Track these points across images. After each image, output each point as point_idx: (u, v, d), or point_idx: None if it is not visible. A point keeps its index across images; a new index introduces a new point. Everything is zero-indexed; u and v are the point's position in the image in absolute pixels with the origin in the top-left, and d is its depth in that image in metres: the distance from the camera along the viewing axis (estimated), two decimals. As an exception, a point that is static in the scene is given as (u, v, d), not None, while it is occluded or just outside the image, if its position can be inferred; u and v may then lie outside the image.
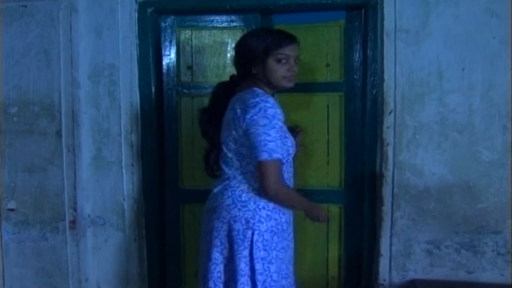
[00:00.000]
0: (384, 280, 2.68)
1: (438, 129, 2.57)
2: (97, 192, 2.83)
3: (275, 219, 2.12)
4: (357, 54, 2.77)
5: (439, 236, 2.63)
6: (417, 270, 2.67)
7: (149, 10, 2.75)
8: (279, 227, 2.14)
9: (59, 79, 2.71)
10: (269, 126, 1.98)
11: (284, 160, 2.10)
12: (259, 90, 2.09)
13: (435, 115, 2.57)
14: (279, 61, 2.10)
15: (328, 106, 2.84)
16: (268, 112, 1.98)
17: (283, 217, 2.17)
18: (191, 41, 2.89)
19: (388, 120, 2.61)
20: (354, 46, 2.77)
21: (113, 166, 2.81)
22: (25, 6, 2.68)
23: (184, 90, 2.90)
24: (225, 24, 2.86)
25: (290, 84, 2.16)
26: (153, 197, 2.87)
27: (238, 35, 2.81)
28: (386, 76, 2.59)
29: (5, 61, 2.74)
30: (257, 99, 1.99)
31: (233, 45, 2.82)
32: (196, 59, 2.90)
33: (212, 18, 2.85)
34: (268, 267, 2.09)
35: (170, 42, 2.88)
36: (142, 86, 2.77)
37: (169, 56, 2.89)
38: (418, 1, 2.53)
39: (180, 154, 2.93)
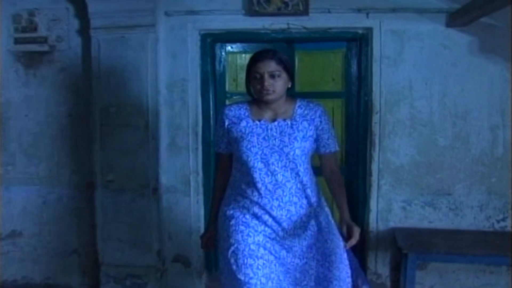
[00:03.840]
0: (373, 228, 3.83)
1: (409, 124, 3.71)
2: (171, 168, 3.88)
3: (224, 204, 2.57)
4: (354, 72, 3.91)
5: (410, 197, 3.77)
6: (395, 221, 3.80)
7: (209, 40, 3.86)
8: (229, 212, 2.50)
9: (146, 88, 3.74)
10: (216, 127, 2.64)
11: (236, 159, 2.51)
12: (240, 102, 2.62)
13: (407, 114, 3.71)
14: (254, 78, 2.42)
15: (333, 108, 3.98)
16: (219, 117, 2.61)
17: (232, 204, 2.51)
18: (236, 61, 4.02)
19: (375, 118, 3.73)
20: (352, 66, 3.92)
21: (182, 150, 3.87)
22: (123, 37, 3.73)
23: (230, 96, 4.04)
24: (259, 49, 3.94)
25: (266, 97, 2.40)
26: (209, 172, 3.99)
27: (270, 57, 3.96)
28: (374, 88, 3.71)
29: (108, 76, 3.76)
30: None
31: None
32: (239, 74, 4.03)
33: (251, 46, 3.99)
34: (221, 251, 2.52)
35: (222, 62, 4.01)
36: (203, 93, 3.88)
37: (221, 72, 4.02)
38: (396, 37, 3.67)
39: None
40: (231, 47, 4.02)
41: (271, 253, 2.39)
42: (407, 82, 3.69)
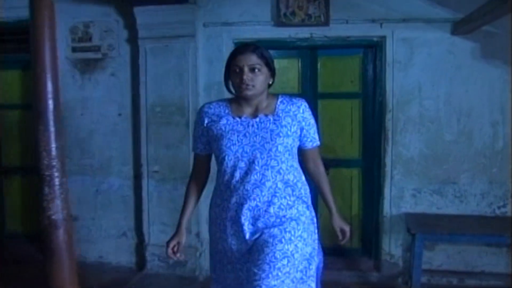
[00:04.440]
0: (387, 213, 4.30)
1: (418, 121, 4.18)
2: (208, 160, 4.43)
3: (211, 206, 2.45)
4: (370, 75, 4.41)
5: (419, 185, 4.23)
6: (407, 207, 4.26)
7: (241, 48, 4.40)
8: (212, 215, 2.42)
9: (187, 90, 4.27)
10: (195, 126, 2.47)
11: (216, 159, 2.37)
12: (219, 99, 2.49)
13: (416, 112, 4.18)
14: (234, 71, 2.28)
15: (351, 107, 4.48)
16: (197, 116, 2.46)
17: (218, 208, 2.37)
18: (266, 66, 4.54)
19: (388, 116, 4.21)
20: (368, 70, 4.41)
21: (218, 144, 4.41)
22: (167, 46, 4.27)
23: (261, 97, 4.56)
24: (287, 55, 4.52)
25: (245, 92, 2.26)
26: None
27: (295, 62, 4.47)
28: (387, 89, 4.20)
29: (153, 80, 4.32)
30: None
31: (292, 69, 4.48)
32: (268, 77, 4.55)
33: (278, 52, 4.50)
34: (210, 255, 2.52)
35: (253, 67, 4.54)
36: None
37: (252, 76, 4.55)
38: (406, 44, 4.15)
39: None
40: (261, 54, 4.52)
41: (235, 258, 2.35)
42: (417, 84, 4.17)
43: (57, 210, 2.87)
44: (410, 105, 4.19)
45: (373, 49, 4.36)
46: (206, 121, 2.37)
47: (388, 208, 4.30)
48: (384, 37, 4.19)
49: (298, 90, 4.50)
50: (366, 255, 4.58)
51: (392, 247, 4.35)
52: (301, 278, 2.25)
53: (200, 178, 2.50)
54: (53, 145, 2.78)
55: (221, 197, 2.32)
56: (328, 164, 4.31)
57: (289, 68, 4.55)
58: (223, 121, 2.31)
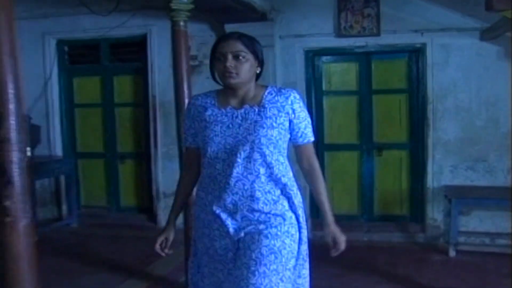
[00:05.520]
0: (429, 186, 5.29)
1: (454, 111, 5.17)
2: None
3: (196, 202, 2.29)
4: (414, 74, 5.43)
5: (456, 162, 5.22)
6: (446, 180, 5.24)
7: (310, 54, 5.50)
8: (197, 210, 2.26)
9: None
10: (184, 119, 2.32)
11: (202, 153, 2.19)
12: (208, 91, 2.29)
13: (452, 104, 5.17)
14: (218, 59, 2.15)
15: (399, 101, 5.51)
16: (186, 108, 2.33)
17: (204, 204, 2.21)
18: (329, 68, 5.62)
19: (429, 107, 5.22)
20: (412, 70, 5.43)
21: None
22: None
23: (326, 94, 5.66)
24: (346, 60, 5.60)
25: (229, 80, 2.11)
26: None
27: (353, 65, 5.54)
28: (428, 85, 5.21)
29: None
30: None
31: (350, 71, 5.55)
32: (331, 78, 5.64)
33: (340, 57, 5.60)
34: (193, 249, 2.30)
35: (319, 69, 5.63)
36: (307, 91, 5.49)
37: (318, 77, 5.65)
38: (443, 49, 5.14)
39: (322, 128, 5.67)
40: (326, 59, 5.62)
41: (227, 258, 2.19)
42: (452, 81, 5.17)
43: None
44: (447, 98, 5.18)
45: (416, 54, 5.37)
46: (192, 113, 2.24)
47: (431, 181, 5.30)
48: (425, 44, 5.21)
49: (356, 87, 5.57)
50: (414, 220, 5.58)
51: (435, 213, 5.33)
52: (289, 277, 2.15)
53: (191, 173, 2.34)
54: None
55: (205, 191, 2.19)
56: (382, 147, 5.41)
57: (348, 70, 5.62)
58: (208, 112, 2.18)
